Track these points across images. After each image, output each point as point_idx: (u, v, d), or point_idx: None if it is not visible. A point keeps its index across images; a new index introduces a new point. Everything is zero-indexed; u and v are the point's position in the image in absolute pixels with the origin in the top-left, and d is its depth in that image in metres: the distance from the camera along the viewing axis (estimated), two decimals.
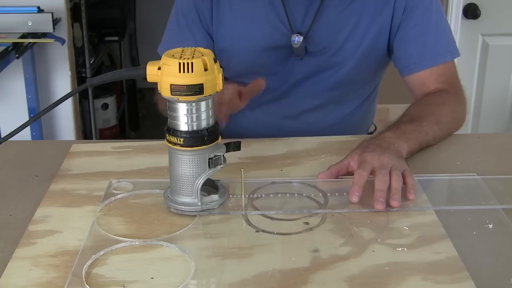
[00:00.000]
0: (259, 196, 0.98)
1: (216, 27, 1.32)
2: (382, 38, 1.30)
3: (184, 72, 0.85)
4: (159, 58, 0.89)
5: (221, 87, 0.88)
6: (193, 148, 0.89)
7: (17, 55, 2.21)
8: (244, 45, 1.31)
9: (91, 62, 2.80)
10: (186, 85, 0.85)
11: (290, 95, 1.36)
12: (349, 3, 1.27)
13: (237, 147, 0.96)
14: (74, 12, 2.71)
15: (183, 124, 0.89)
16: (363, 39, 1.29)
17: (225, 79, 0.92)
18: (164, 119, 0.92)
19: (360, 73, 1.34)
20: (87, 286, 0.76)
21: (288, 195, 0.99)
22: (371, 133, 1.52)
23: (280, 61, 1.32)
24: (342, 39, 1.29)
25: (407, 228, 0.89)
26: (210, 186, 0.95)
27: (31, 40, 2.29)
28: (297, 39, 1.27)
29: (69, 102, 2.56)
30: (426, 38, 1.28)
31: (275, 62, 1.32)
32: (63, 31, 2.46)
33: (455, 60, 1.33)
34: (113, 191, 1.00)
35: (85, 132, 2.97)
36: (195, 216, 0.92)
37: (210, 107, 0.90)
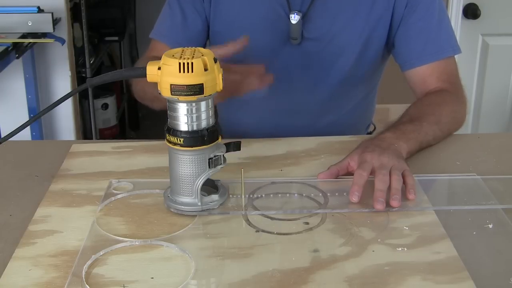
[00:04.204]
0: (259, 196, 0.98)
1: (214, 9, 1.31)
2: (381, 32, 1.30)
3: (184, 72, 0.85)
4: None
5: (221, 87, 0.88)
6: (193, 148, 0.89)
7: (17, 55, 2.21)
8: (240, 27, 1.30)
9: (91, 62, 2.80)
10: (186, 85, 0.85)
11: (286, 90, 1.35)
12: None
13: (237, 147, 0.96)
14: (74, 12, 2.71)
15: (183, 124, 0.89)
16: (362, 32, 1.29)
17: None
18: (164, 119, 0.92)
19: (358, 69, 1.34)
20: (87, 286, 0.76)
21: (288, 195, 0.99)
22: (370, 133, 1.52)
23: (276, 48, 1.31)
24: (338, 28, 1.29)
25: (407, 228, 0.89)
26: (210, 186, 0.95)
27: (31, 40, 2.29)
28: (296, 15, 1.27)
29: (69, 102, 2.56)
30: (428, 33, 1.28)
31: (271, 49, 1.31)
32: (63, 31, 2.46)
33: (456, 58, 1.32)
34: (113, 191, 1.00)
35: (85, 132, 2.97)
36: (195, 216, 0.92)
37: (210, 107, 0.90)
